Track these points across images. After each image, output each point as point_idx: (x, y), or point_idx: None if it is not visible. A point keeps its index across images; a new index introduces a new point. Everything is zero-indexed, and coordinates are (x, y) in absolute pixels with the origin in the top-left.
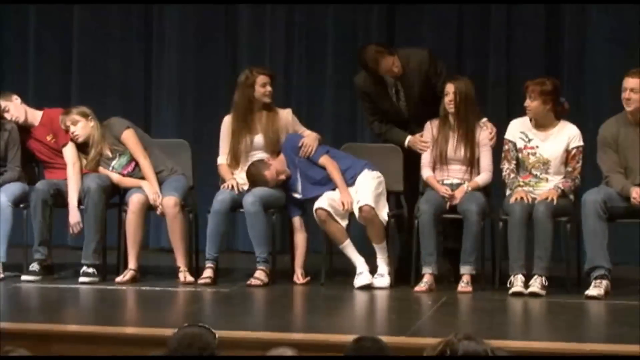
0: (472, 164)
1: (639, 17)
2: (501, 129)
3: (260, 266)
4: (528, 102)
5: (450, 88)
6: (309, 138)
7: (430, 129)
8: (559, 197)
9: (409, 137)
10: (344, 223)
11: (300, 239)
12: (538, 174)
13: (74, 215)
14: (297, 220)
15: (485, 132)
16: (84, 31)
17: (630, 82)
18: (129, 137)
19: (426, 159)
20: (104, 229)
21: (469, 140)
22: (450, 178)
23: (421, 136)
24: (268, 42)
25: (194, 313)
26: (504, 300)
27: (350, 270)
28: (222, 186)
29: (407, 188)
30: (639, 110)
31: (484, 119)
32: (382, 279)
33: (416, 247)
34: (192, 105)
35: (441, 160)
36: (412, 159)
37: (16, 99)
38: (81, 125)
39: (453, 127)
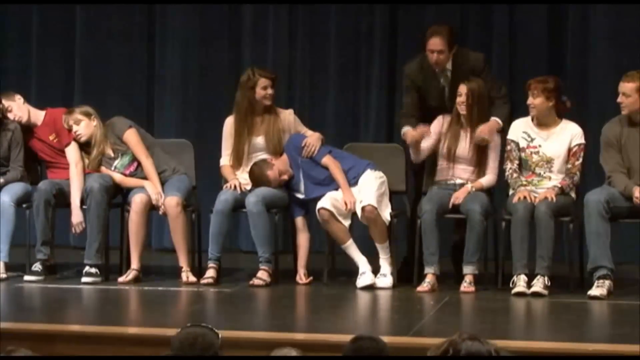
0: (479, 165)
1: None
2: (504, 129)
3: (262, 266)
4: (531, 100)
5: (462, 89)
6: (312, 138)
7: (441, 123)
8: (560, 195)
9: (406, 129)
10: (347, 223)
11: (302, 239)
12: (541, 172)
13: (76, 215)
14: (299, 221)
15: (494, 135)
16: (86, 31)
17: (623, 86)
18: (131, 136)
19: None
20: (106, 229)
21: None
22: (454, 178)
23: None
24: (271, 42)
25: (197, 313)
26: (506, 300)
27: (352, 270)
28: (224, 186)
29: (409, 188)
30: (637, 112)
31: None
32: (385, 279)
33: (419, 247)
34: (194, 105)
35: (449, 158)
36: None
37: (19, 99)
38: (84, 125)
39: (464, 127)
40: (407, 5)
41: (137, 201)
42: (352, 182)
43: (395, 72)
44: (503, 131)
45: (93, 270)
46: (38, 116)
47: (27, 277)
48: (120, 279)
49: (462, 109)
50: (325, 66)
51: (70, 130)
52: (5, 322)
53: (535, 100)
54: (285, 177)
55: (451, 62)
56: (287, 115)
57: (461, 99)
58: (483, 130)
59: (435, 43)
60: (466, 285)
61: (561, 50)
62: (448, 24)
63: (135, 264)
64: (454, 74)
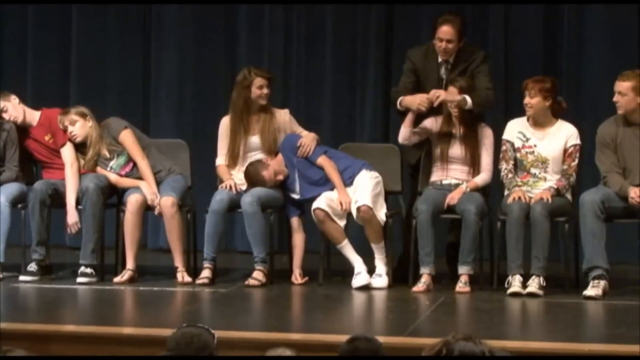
0: (473, 164)
1: (637, 17)
2: (499, 129)
3: (258, 266)
4: (528, 99)
5: (452, 90)
6: (307, 138)
7: (434, 123)
8: (556, 196)
9: (403, 97)
10: (342, 223)
11: (298, 239)
12: (537, 172)
13: (71, 216)
14: (295, 221)
15: (486, 132)
16: (82, 31)
17: (619, 85)
18: (127, 137)
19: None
20: (102, 229)
21: (472, 140)
22: (449, 178)
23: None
24: (267, 42)
25: (192, 313)
26: (502, 300)
27: (348, 271)
28: (220, 186)
29: (406, 188)
30: (635, 112)
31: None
32: (380, 279)
33: (414, 247)
34: (190, 105)
35: (442, 159)
36: (410, 158)
37: (14, 99)
38: (79, 125)
39: (456, 127)
40: (403, 5)
41: (132, 201)
42: (348, 182)
43: (391, 72)
44: (475, 113)
45: (88, 270)
46: (33, 116)
47: (22, 277)
48: (116, 279)
49: (453, 111)
50: (321, 66)
51: (65, 130)
52: (0, 323)
53: (532, 100)
54: (280, 177)
55: (454, 56)
56: (283, 115)
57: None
58: (439, 92)
59: (446, 31)
60: (461, 286)
61: (556, 50)
62: (460, 14)
63: (130, 264)
64: (454, 68)
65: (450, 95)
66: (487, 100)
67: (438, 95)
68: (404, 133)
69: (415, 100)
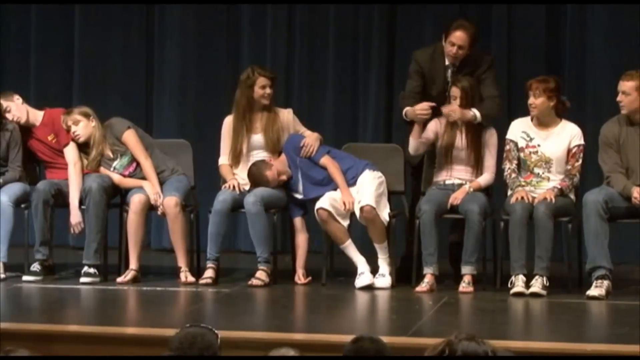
0: (476, 165)
1: (639, 17)
2: (502, 129)
3: (261, 266)
4: (532, 100)
5: (455, 92)
6: (310, 138)
7: (438, 125)
8: (559, 196)
9: (407, 108)
10: (345, 223)
11: (301, 239)
12: (540, 172)
13: (75, 216)
14: (298, 221)
15: (489, 132)
16: (85, 31)
17: (623, 85)
18: (130, 137)
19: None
20: (105, 229)
21: (475, 141)
22: (452, 178)
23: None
24: (269, 42)
25: (195, 313)
26: (505, 300)
27: (351, 271)
28: (223, 186)
29: (408, 188)
30: (639, 111)
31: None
32: (383, 279)
33: (417, 247)
34: (193, 105)
35: (446, 159)
36: (412, 159)
37: (18, 99)
38: (82, 125)
39: (459, 128)
40: (406, 5)
41: (135, 201)
42: (351, 182)
43: (394, 72)
44: (481, 125)
45: (92, 270)
46: (37, 116)
47: (25, 278)
48: (119, 279)
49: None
50: (323, 66)
51: (68, 130)
52: (3, 323)
53: (536, 100)
54: (283, 177)
55: (459, 60)
56: (286, 115)
57: (456, 102)
58: (454, 109)
59: (461, 37)
60: (464, 286)
61: (559, 50)
62: (474, 21)
63: (133, 264)
64: (460, 72)
65: (462, 116)
66: (495, 109)
67: (452, 111)
68: (413, 145)
69: (415, 111)
